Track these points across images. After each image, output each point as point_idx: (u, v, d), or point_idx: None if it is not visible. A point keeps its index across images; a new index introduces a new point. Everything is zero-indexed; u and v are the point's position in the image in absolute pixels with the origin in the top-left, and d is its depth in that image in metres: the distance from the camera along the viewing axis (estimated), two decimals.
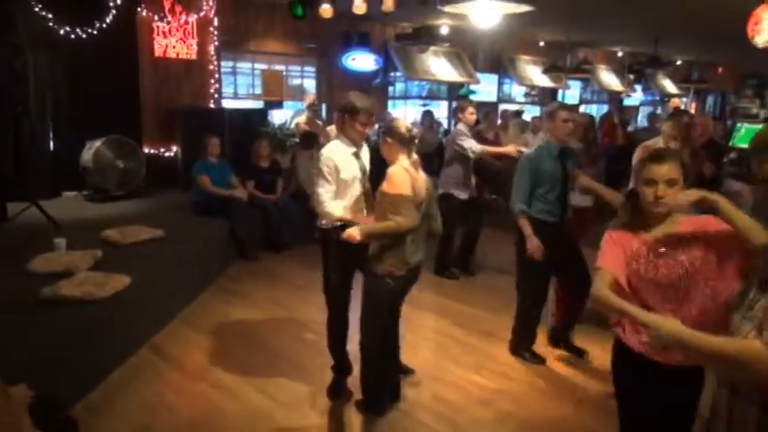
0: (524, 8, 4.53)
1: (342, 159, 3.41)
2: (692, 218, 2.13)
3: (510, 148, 5.53)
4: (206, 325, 4.62)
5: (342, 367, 3.70)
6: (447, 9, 4.75)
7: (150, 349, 4.15)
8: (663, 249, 2.08)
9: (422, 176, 3.18)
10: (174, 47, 8.05)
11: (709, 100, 18.41)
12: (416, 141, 3.18)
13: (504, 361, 4.12)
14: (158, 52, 7.96)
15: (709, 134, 6.77)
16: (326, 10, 7.14)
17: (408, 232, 3.04)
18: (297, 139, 7.95)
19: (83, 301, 3.68)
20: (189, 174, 6.64)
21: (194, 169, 6.45)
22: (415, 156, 3.15)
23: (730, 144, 7.31)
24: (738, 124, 7.89)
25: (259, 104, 9.46)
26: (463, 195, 5.73)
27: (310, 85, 10.51)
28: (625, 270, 2.12)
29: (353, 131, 3.42)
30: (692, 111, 17.10)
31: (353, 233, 3.00)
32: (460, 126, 5.79)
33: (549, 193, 3.88)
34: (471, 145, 5.58)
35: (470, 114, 5.65)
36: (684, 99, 17.30)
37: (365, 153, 3.63)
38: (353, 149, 3.44)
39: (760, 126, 7.69)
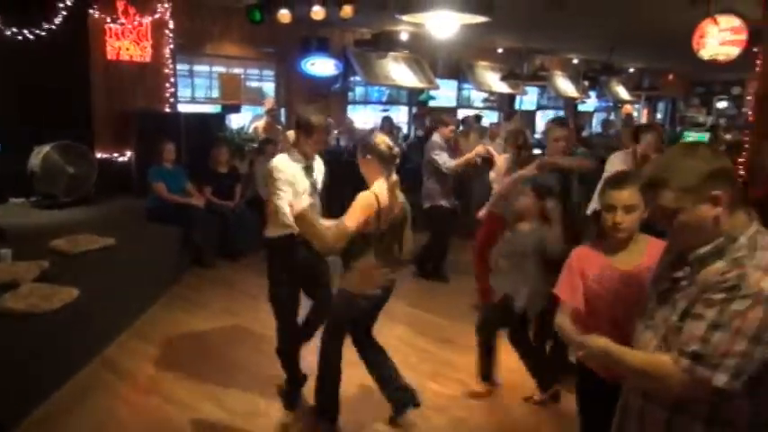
0: (481, 19, 4.56)
1: (295, 171, 3.43)
2: (655, 242, 2.11)
3: (479, 148, 5.60)
4: (159, 336, 4.52)
5: (294, 378, 3.67)
6: (405, 18, 4.75)
7: (101, 363, 4.04)
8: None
9: (399, 199, 3.08)
10: (127, 49, 7.86)
11: (660, 106, 19.00)
12: (397, 160, 3.03)
13: (460, 368, 4.15)
14: (111, 55, 7.76)
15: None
16: (284, 15, 7.09)
17: (320, 251, 2.92)
18: (255, 145, 7.86)
19: (28, 314, 3.55)
20: (143, 179, 6.50)
21: (150, 176, 6.31)
22: (394, 176, 3.03)
23: None
24: (686, 132, 8.16)
25: (217, 108, 9.32)
26: (447, 204, 5.85)
27: (269, 88, 10.43)
28: (580, 294, 2.18)
29: (307, 147, 3.48)
30: (644, 118, 17.65)
31: (298, 207, 2.75)
32: (436, 138, 5.84)
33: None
34: (445, 160, 5.67)
35: (450, 132, 5.85)
36: (637, 105, 17.82)
37: (318, 167, 3.66)
38: (303, 164, 3.47)
39: (706, 134, 8.04)
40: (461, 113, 13.24)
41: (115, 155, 7.94)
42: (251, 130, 8.66)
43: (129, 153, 7.97)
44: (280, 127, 8.47)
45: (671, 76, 17.15)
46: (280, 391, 3.69)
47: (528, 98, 14.99)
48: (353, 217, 2.83)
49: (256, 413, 3.48)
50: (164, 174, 6.31)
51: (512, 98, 14.28)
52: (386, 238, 3.04)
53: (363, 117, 12.09)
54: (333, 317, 3.21)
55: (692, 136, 7.82)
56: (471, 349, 3.90)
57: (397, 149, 3.03)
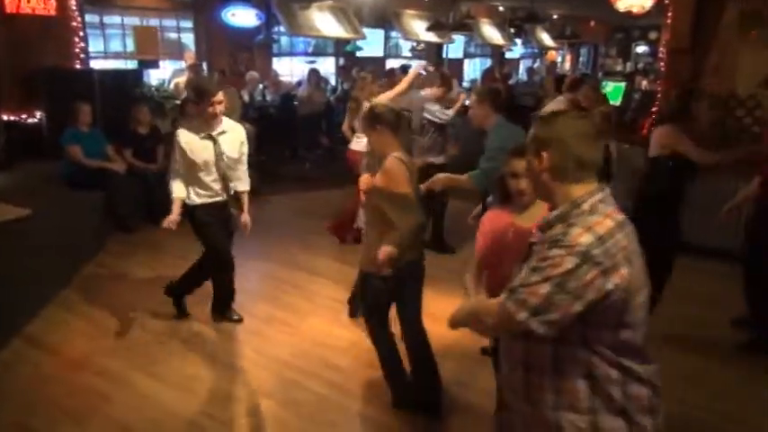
0: None
1: (191, 141, 3.58)
2: None
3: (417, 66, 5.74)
4: (86, 308, 4.42)
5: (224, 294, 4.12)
6: None
7: (24, 340, 3.92)
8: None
9: (415, 166, 2.99)
10: (28, 2, 7.29)
11: (583, 52, 19.45)
12: (407, 124, 2.99)
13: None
14: (10, 8, 7.18)
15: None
16: None
17: (417, 232, 2.83)
18: (177, 102, 7.57)
19: None
20: (57, 142, 6.17)
21: (63, 139, 5.99)
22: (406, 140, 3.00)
23: None
24: (604, 82, 8.45)
25: (133, 64, 8.87)
26: (440, 161, 5.64)
27: (189, 41, 9.98)
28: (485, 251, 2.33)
29: (207, 114, 3.61)
30: (568, 64, 18.05)
31: (384, 257, 2.68)
32: (426, 92, 5.83)
33: None
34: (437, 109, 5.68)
35: (379, 88, 5.76)
36: (561, 51, 18.17)
37: (236, 135, 3.67)
38: (206, 132, 3.53)
39: (623, 84, 8.35)
40: (389, 63, 13.17)
41: (23, 116, 7.47)
42: (171, 87, 8.33)
43: (38, 114, 7.51)
44: None
45: (592, 23, 17.50)
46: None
47: (455, 46, 15.01)
48: (398, 183, 2.74)
49: (189, 382, 3.50)
50: (79, 136, 6.02)
51: (439, 47, 14.26)
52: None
53: (289, 69, 11.84)
54: (362, 302, 3.21)
55: (609, 85, 8.08)
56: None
57: (406, 113, 2.98)
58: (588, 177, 1.58)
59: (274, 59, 11.15)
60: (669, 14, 6.27)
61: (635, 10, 6.67)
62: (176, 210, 3.75)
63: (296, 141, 9.36)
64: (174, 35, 9.92)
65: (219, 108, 3.63)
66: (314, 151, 9.16)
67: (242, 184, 3.94)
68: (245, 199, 3.98)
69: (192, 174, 3.73)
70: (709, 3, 6.02)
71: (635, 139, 6.43)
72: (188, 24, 9.91)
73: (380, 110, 2.89)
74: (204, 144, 3.66)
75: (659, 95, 6.55)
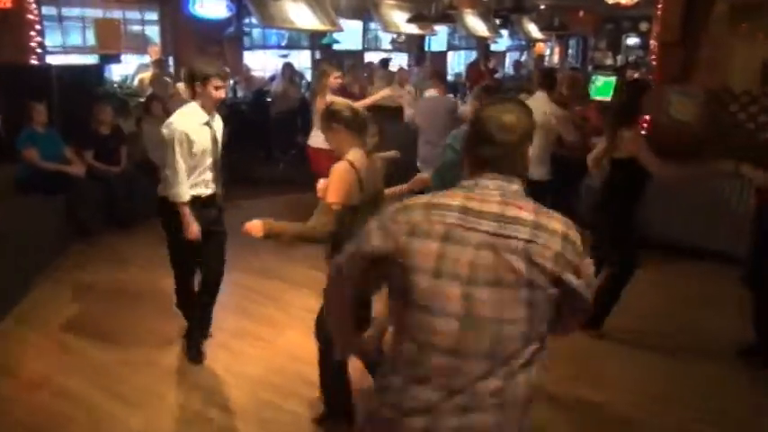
0: None
1: (194, 130, 3.46)
2: None
3: (384, 92, 5.70)
4: (43, 322, 4.36)
5: (199, 326, 3.92)
6: None
7: None
8: None
9: (376, 165, 2.99)
10: None
11: (572, 44, 19.62)
12: (367, 124, 2.93)
13: None
14: None
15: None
16: None
17: (319, 241, 2.84)
18: (141, 100, 7.52)
19: None
20: (12, 143, 6.08)
21: (19, 141, 5.91)
22: (370, 140, 2.97)
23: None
24: (594, 76, 8.54)
25: (94, 59, 8.76)
26: None
27: (154, 34, 9.89)
28: None
29: (208, 99, 3.51)
30: (557, 57, 18.20)
31: (255, 228, 2.73)
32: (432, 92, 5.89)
33: None
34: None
35: (335, 79, 5.70)
36: (549, 43, 18.32)
37: (218, 124, 3.66)
38: (206, 118, 3.49)
39: (614, 78, 8.45)
40: (369, 57, 13.19)
41: None
42: (135, 83, 8.26)
43: None
44: (168, 79, 8.12)
45: (581, 13, 17.67)
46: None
47: (438, 39, 15.05)
48: (333, 190, 2.73)
49: (153, 401, 3.48)
50: (35, 138, 5.94)
51: (421, 39, 14.30)
52: (369, 208, 2.86)
53: (262, 63, 11.79)
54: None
55: (600, 80, 8.18)
56: None
57: (365, 112, 2.96)
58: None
59: (246, 53, 11.08)
60: (659, 5, 6.37)
61: (624, 1, 6.76)
62: (189, 215, 3.55)
63: (270, 141, 9.33)
64: (137, 28, 9.82)
65: (224, 91, 3.57)
66: (289, 152, 9.13)
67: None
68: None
69: (187, 164, 3.56)
70: None
71: None
72: (153, 17, 9.81)
73: (337, 107, 2.90)
74: (203, 130, 3.55)
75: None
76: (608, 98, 7.42)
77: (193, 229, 3.54)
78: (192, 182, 3.59)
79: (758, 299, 3.96)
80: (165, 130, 3.50)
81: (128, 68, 8.99)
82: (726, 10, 6.12)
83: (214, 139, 3.64)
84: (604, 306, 4.16)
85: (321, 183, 2.93)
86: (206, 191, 3.69)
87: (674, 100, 6.30)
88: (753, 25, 6.21)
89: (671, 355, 4.09)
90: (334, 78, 5.70)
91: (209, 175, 3.68)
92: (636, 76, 10.50)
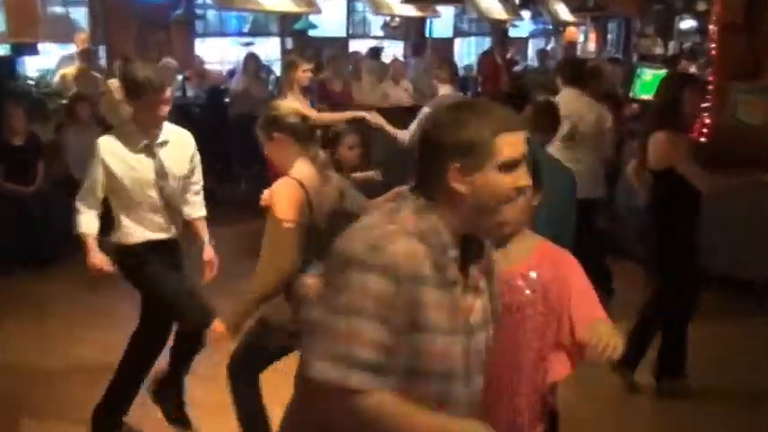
0: None
1: (120, 155, 3.42)
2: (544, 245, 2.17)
3: (346, 114, 5.79)
4: None
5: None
6: None
7: None
8: None
9: (333, 180, 3.06)
10: None
11: (612, 28, 19.89)
12: (317, 132, 3.08)
13: None
14: None
15: (608, 83, 7.41)
16: None
17: (290, 274, 2.85)
18: (64, 101, 7.57)
19: None
20: None
21: None
22: (321, 153, 3.06)
23: (631, 94, 8.03)
24: (639, 69, 8.65)
25: (4, 49, 8.81)
26: None
27: (81, 17, 9.98)
28: None
29: (145, 116, 3.42)
30: (593, 45, 18.42)
31: (224, 337, 2.88)
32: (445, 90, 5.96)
33: None
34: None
35: (304, 73, 5.75)
36: (582, 28, 18.58)
37: (181, 142, 3.60)
38: (144, 141, 3.43)
39: (663, 71, 8.55)
40: (354, 45, 13.30)
41: None
42: (57, 80, 8.32)
43: None
44: (98, 75, 8.18)
45: None
46: None
47: (442, 22, 15.23)
48: (282, 209, 2.76)
49: None
50: None
51: (421, 23, 14.46)
52: (325, 236, 2.82)
53: (219, 54, 11.89)
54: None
55: (647, 73, 8.29)
56: None
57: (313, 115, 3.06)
58: None
59: (198, 41, 11.20)
60: None
61: None
62: (94, 247, 3.51)
63: (229, 152, 9.36)
64: (60, 10, 9.90)
65: (166, 109, 3.47)
66: (252, 166, 9.15)
67: (195, 208, 3.82)
68: (203, 228, 3.87)
69: (121, 201, 3.54)
70: None
71: None
72: None
73: (280, 113, 2.96)
74: (139, 159, 3.47)
75: (712, 87, 6.71)
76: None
77: (95, 261, 3.50)
78: (135, 224, 3.54)
79: None
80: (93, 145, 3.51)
81: (47, 62, 9.04)
82: None
83: (160, 172, 3.52)
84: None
85: (267, 192, 2.95)
86: (160, 235, 3.62)
87: (741, 99, 6.37)
88: None
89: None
90: (303, 72, 5.76)
91: (160, 218, 3.59)
92: (693, 69, 10.62)
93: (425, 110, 5.64)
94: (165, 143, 3.51)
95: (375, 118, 5.71)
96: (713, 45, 6.91)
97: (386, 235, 1.49)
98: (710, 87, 6.65)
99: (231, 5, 10.85)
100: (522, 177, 1.58)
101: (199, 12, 11.09)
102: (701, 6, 16.08)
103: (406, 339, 1.49)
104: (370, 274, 1.44)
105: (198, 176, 3.80)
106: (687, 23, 17.76)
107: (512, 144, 1.55)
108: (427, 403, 1.54)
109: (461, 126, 1.55)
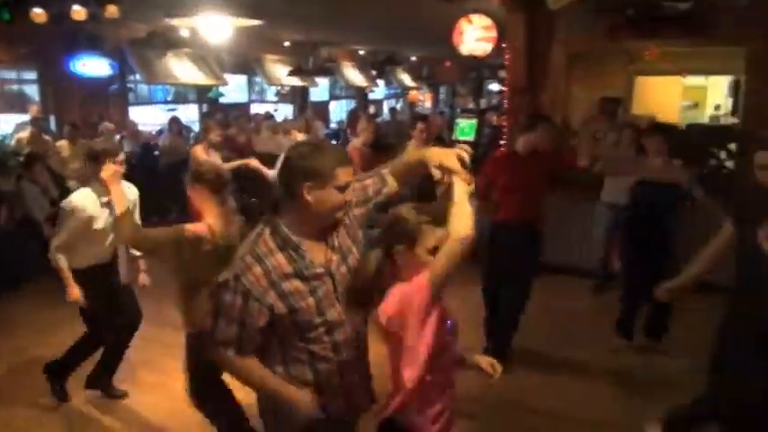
0: (254, 22, 4.65)
1: (93, 208, 3.34)
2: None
3: (249, 161, 5.80)
4: None
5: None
6: (174, 23, 4.64)
7: None
8: None
9: (235, 222, 2.95)
10: None
11: (443, 91, 20.61)
12: (228, 183, 2.91)
13: None
14: None
15: (439, 129, 7.69)
16: (39, 14, 6.41)
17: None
18: (21, 158, 7.07)
19: None
20: None
21: None
22: (231, 202, 2.92)
23: (453, 137, 8.35)
24: (457, 119, 9.03)
25: None
26: None
27: (33, 92, 9.38)
28: None
29: (100, 178, 3.22)
30: (428, 103, 19.02)
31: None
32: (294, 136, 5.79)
33: None
34: None
35: (216, 137, 5.74)
36: (422, 91, 19.14)
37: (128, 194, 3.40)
38: (105, 198, 3.32)
39: (475, 120, 8.96)
40: (255, 108, 13.19)
41: None
42: (14, 142, 7.77)
43: None
44: (48, 138, 7.70)
45: (448, 64, 18.68)
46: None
47: (320, 89, 15.32)
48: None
49: None
50: None
51: (304, 90, 14.50)
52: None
53: (149, 117, 11.47)
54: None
55: (463, 122, 8.66)
56: None
57: (227, 174, 2.96)
58: None
59: (132, 108, 10.76)
60: (506, 57, 6.85)
61: (478, 53, 7.23)
62: (71, 277, 3.38)
63: (160, 190, 9.03)
64: (14, 87, 9.29)
65: (121, 169, 3.29)
66: (179, 200, 8.87)
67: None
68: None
69: (79, 241, 3.40)
70: (538, 46, 6.65)
71: None
72: (32, 76, 9.33)
73: (202, 169, 2.93)
74: (102, 211, 3.37)
75: (505, 130, 7.08)
76: (471, 138, 7.87)
77: (74, 292, 3.37)
78: (83, 255, 3.44)
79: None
80: (62, 204, 3.38)
81: (5, 127, 8.43)
82: (563, 59, 6.69)
83: (110, 223, 3.39)
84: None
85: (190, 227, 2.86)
86: (104, 259, 3.57)
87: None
88: (586, 71, 6.85)
89: None
90: (216, 136, 5.77)
91: (103, 250, 3.53)
92: (495, 118, 11.13)
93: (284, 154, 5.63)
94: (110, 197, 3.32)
95: (253, 163, 5.75)
96: (506, 101, 7.28)
97: (242, 268, 1.76)
98: (505, 131, 7.03)
99: (157, 81, 10.53)
100: (348, 195, 1.82)
101: (131, 86, 10.67)
102: (503, 74, 16.98)
103: (279, 317, 1.78)
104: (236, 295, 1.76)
105: (136, 215, 3.65)
106: (495, 86, 18.59)
107: (346, 174, 1.78)
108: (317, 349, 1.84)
109: (314, 159, 1.75)
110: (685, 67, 7.24)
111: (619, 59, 6.75)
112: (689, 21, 5.70)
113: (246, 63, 12.87)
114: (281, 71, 13.37)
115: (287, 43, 13.03)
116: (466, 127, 8.35)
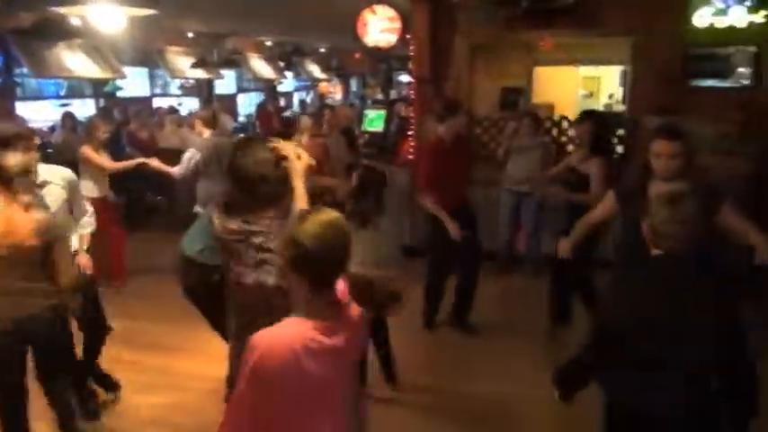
0: (147, 12, 4.49)
1: None
2: None
3: (150, 161, 5.62)
4: None
5: None
6: (63, 11, 4.41)
7: None
8: None
9: (33, 218, 2.65)
10: None
11: (353, 83, 20.64)
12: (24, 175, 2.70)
13: (177, 372, 4.13)
14: None
15: (347, 121, 7.71)
16: None
17: None
18: None
19: None
20: None
21: None
22: (26, 197, 2.66)
23: (362, 129, 8.42)
24: (366, 111, 9.10)
25: None
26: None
27: None
28: None
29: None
30: (339, 95, 19.02)
31: None
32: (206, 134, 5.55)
33: None
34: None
35: (104, 134, 5.50)
36: (333, 82, 19.08)
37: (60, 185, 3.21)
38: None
39: (384, 111, 9.06)
40: (157, 102, 12.70)
41: None
42: None
43: None
44: None
45: (358, 55, 18.73)
46: None
47: (227, 82, 14.94)
48: None
49: None
50: None
51: (210, 83, 14.08)
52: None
53: (40, 113, 10.78)
54: None
55: (372, 113, 8.74)
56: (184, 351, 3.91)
57: (19, 164, 2.67)
58: None
59: (20, 104, 10.06)
60: (411, 48, 6.99)
61: (382, 44, 7.33)
62: None
63: None
64: None
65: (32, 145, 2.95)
66: None
67: None
68: None
69: None
70: (441, 37, 6.83)
71: (397, 162, 7.05)
72: None
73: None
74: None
75: (412, 120, 7.22)
76: (380, 129, 7.96)
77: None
78: None
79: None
80: None
81: None
82: (465, 50, 6.90)
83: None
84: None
85: None
86: None
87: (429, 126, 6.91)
88: (488, 61, 7.09)
89: None
90: (103, 133, 5.54)
91: None
92: (403, 109, 11.29)
93: (191, 150, 5.47)
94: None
95: (153, 162, 5.57)
96: (413, 92, 7.43)
97: None
98: (413, 121, 7.18)
99: (47, 74, 9.88)
100: None
101: (18, 80, 9.98)
102: (411, 65, 17.25)
103: None
104: None
105: None
106: (403, 77, 18.83)
107: None
108: None
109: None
110: (578, 57, 7.63)
111: (518, 50, 7.02)
112: (579, 12, 6.05)
113: (147, 55, 12.34)
114: (184, 63, 12.91)
115: (190, 34, 12.61)
116: (375, 118, 8.43)
